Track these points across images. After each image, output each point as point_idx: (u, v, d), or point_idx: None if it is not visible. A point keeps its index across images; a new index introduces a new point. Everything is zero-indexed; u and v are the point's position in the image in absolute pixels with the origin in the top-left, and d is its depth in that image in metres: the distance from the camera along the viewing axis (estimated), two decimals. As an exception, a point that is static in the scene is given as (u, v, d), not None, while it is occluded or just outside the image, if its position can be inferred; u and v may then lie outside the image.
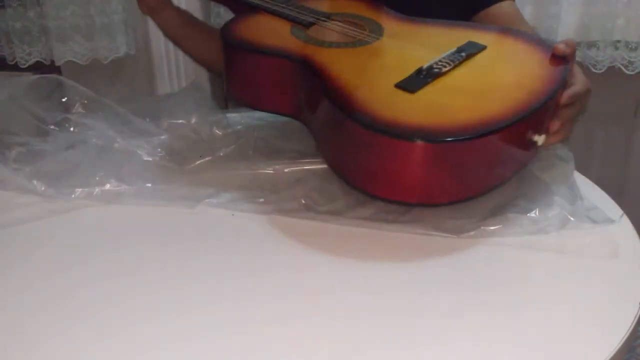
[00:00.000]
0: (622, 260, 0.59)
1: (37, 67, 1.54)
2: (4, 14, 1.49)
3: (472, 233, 0.61)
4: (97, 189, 0.71)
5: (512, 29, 0.80)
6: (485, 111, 0.62)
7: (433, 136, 0.58)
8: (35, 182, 0.71)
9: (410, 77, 0.66)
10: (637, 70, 1.41)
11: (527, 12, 1.44)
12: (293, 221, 0.65)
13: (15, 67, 1.52)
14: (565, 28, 1.43)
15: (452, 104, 0.63)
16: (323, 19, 0.81)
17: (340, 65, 0.69)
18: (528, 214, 0.63)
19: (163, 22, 0.99)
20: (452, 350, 0.47)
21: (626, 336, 0.48)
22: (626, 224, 0.64)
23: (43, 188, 0.70)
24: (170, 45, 1.57)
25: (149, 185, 0.72)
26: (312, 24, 0.79)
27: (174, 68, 1.58)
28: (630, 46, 1.41)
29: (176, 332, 0.49)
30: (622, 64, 1.42)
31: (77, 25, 1.51)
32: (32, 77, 0.79)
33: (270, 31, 0.78)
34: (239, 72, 0.75)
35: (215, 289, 0.55)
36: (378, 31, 0.78)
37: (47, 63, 1.53)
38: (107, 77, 1.58)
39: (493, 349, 0.47)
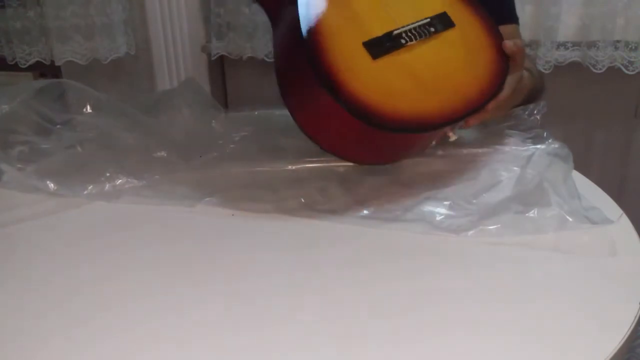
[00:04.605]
0: (622, 259, 0.59)
1: (37, 67, 1.54)
2: (4, 14, 1.49)
3: (471, 232, 0.61)
4: (107, 185, 0.71)
5: (483, 13, 0.79)
6: (422, 108, 0.65)
7: (370, 118, 0.61)
8: (47, 181, 0.71)
9: (378, 39, 0.66)
10: (637, 70, 1.41)
11: (527, 12, 1.44)
12: (293, 220, 0.65)
13: (15, 67, 1.53)
14: (565, 28, 1.43)
15: (398, 88, 0.65)
16: None
17: None
18: (526, 214, 0.63)
19: None
20: (451, 349, 0.47)
21: (626, 336, 0.47)
22: (626, 223, 0.64)
23: (54, 186, 0.70)
24: (170, 44, 1.57)
25: (155, 181, 0.72)
26: None
27: (174, 68, 1.58)
28: (630, 46, 1.41)
29: (176, 331, 0.49)
30: (622, 64, 1.42)
31: (77, 25, 1.51)
32: (42, 82, 0.79)
33: None
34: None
35: (214, 288, 0.55)
36: None
37: (47, 63, 1.53)
38: (107, 77, 1.58)
39: (492, 349, 0.47)
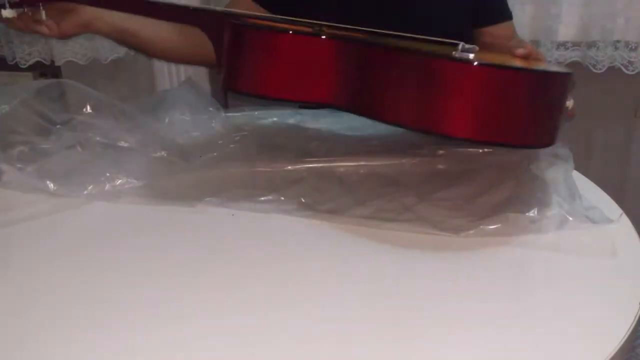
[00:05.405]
0: (622, 259, 0.59)
1: (37, 67, 1.54)
2: (4, 14, 1.48)
3: (472, 232, 0.61)
4: (107, 185, 0.71)
5: None
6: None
7: (528, 69, 0.65)
8: (47, 181, 0.71)
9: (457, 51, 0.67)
10: (637, 70, 1.41)
11: (527, 12, 1.44)
12: (293, 220, 0.65)
13: (15, 67, 1.52)
14: (565, 28, 1.43)
15: (515, 62, 0.69)
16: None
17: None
18: (527, 214, 0.63)
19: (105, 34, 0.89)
20: (451, 349, 0.47)
21: (626, 336, 0.48)
22: (626, 223, 0.64)
23: (53, 186, 0.70)
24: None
25: (155, 181, 0.72)
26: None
27: (174, 68, 1.58)
28: (630, 46, 1.41)
29: (175, 329, 0.49)
30: (622, 64, 1.42)
31: (77, 25, 1.51)
32: (42, 82, 0.79)
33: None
34: (265, 59, 0.70)
35: (214, 288, 0.55)
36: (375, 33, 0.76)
37: (47, 63, 1.53)
38: (107, 76, 1.58)
39: (492, 348, 0.47)
